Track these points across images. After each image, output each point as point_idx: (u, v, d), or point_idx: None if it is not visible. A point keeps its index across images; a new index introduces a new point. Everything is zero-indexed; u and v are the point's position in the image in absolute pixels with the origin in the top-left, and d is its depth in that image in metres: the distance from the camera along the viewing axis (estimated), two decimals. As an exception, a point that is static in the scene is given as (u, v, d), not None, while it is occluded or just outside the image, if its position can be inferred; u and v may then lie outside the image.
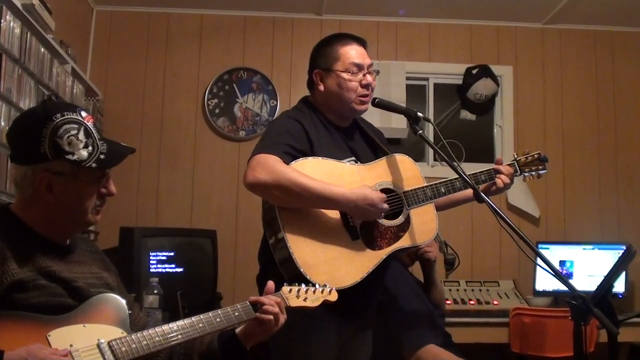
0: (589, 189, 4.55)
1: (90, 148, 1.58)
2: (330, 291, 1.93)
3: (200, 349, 1.74)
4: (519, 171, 2.58)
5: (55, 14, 3.29)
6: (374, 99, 2.42)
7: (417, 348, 2.46)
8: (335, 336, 2.23)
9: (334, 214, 2.20)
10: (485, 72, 4.51)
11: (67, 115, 1.58)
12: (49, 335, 1.42)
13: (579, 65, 4.67)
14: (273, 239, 2.15)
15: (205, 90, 4.44)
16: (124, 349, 1.47)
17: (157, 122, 4.43)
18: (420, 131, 2.32)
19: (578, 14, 4.45)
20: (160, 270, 3.38)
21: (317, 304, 1.88)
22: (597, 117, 4.63)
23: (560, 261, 4.13)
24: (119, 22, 4.50)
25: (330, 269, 2.11)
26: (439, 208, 2.47)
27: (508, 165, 2.54)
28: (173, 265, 3.45)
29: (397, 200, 2.31)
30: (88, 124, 1.60)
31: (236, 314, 1.71)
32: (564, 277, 2.02)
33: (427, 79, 4.67)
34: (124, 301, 1.63)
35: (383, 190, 2.29)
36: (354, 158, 2.33)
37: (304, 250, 2.10)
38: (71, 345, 1.41)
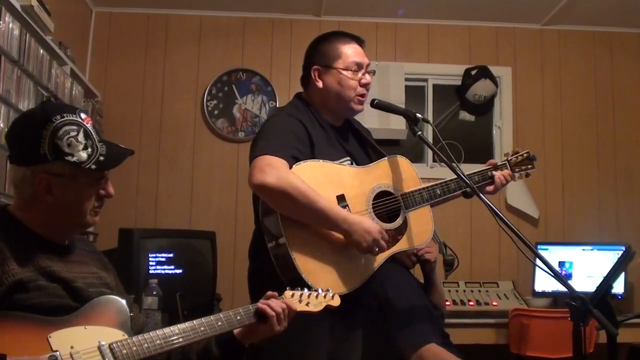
0: (588, 190, 4.55)
1: (89, 150, 1.58)
2: (332, 296, 1.92)
3: (198, 348, 1.74)
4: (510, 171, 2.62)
5: (54, 15, 3.29)
6: (373, 100, 2.42)
7: (418, 347, 2.45)
8: (328, 336, 2.22)
9: None
10: (484, 73, 4.51)
11: (67, 116, 1.58)
12: (50, 337, 1.41)
13: (578, 66, 4.68)
14: (273, 242, 2.13)
15: (204, 91, 4.44)
16: (124, 351, 1.47)
17: (156, 123, 4.43)
18: (419, 132, 2.33)
19: (577, 14, 4.46)
20: (159, 271, 3.38)
21: (319, 308, 1.88)
22: (596, 118, 4.63)
23: (560, 262, 4.13)
24: (118, 24, 4.50)
25: (331, 274, 2.11)
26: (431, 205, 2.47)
27: (501, 165, 2.58)
28: (172, 267, 3.45)
29: (395, 203, 2.31)
30: (87, 125, 1.61)
31: (238, 317, 1.71)
32: (563, 278, 2.02)
33: (426, 80, 4.67)
34: (125, 303, 1.63)
35: (381, 193, 2.29)
36: (349, 158, 2.33)
37: (305, 256, 2.08)
38: (72, 347, 1.41)
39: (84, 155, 1.57)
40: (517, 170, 2.64)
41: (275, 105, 4.43)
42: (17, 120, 1.68)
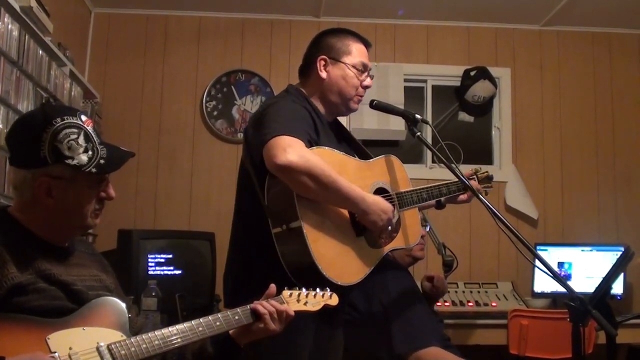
0: (587, 191, 4.56)
1: (90, 153, 1.57)
2: (330, 295, 1.91)
3: (194, 348, 1.74)
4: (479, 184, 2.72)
5: (53, 16, 3.29)
6: (372, 100, 2.42)
7: (417, 348, 2.46)
8: (313, 336, 2.18)
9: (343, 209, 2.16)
10: (483, 74, 4.52)
11: (67, 119, 1.57)
12: (48, 339, 1.41)
13: (577, 66, 4.68)
14: (282, 227, 2.03)
15: (203, 92, 4.44)
16: (123, 352, 1.47)
17: (156, 124, 4.43)
18: (419, 133, 2.32)
19: (576, 15, 4.46)
20: (158, 272, 3.38)
21: (317, 308, 1.87)
22: (595, 119, 4.64)
23: (559, 263, 4.13)
24: (117, 25, 4.50)
25: (341, 263, 2.07)
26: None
27: (471, 178, 2.66)
28: (171, 268, 3.45)
29: (390, 201, 2.32)
30: (88, 128, 1.60)
31: (236, 317, 1.70)
32: (562, 279, 2.03)
33: (425, 81, 4.67)
34: (123, 304, 1.62)
35: (378, 190, 2.29)
36: (343, 153, 2.33)
37: (320, 242, 2.01)
38: (70, 349, 1.41)
39: (84, 158, 1.56)
40: (482, 185, 2.73)
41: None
42: (18, 122, 1.67)
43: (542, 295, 4.12)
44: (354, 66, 2.31)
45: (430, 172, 4.45)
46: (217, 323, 1.67)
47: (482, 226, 4.37)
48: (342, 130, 2.48)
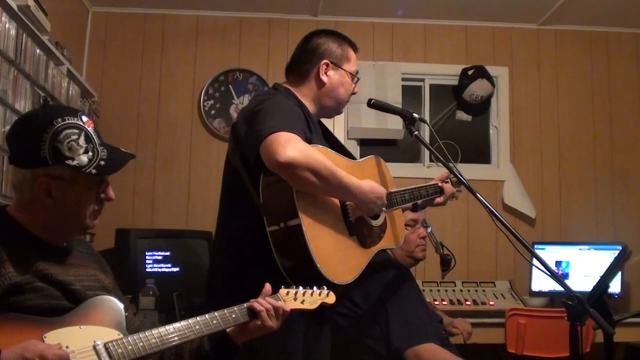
0: (585, 190, 4.56)
1: (90, 154, 1.57)
2: (327, 294, 1.91)
3: (191, 347, 1.74)
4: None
5: (50, 15, 3.28)
6: (370, 99, 2.43)
7: (415, 344, 2.46)
8: (302, 335, 2.16)
9: (336, 207, 2.15)
10: (481, 72, 4.52)
11: (68, 119, 1.57)
12: (45, 337, 1.41)
13: (575, 65, 4.68)
14: (280, 225, 2.00)
15: (201, 91, 4.44)
16: (120, 350, 1.47)
17: (153, 123, 4.43)
18: (416, 132, 2.33)
19: (573, 14, 4.46)
20: (156, 271, 3.38)
21: (314, 306, 1.87)
22: (593, 118, 4.64)
23: (556, 261, 4.14)
24: (114, 24, 4.49)
25: (337, 261, 2.06)
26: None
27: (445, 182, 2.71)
28: (169, 267, 3.45)
29: None
30: (89, 129, 1.60)
31: (233, 316, 1.70)
32: (559, 278, 2.03)
33: (422, 80, 4.67)
34: (120, 303, 1.63)
35: None
36: (336, 153, 2.33)
37: (317, 240, 1.99)
38: (67, 347, 1.41)
39: (84, 159, 1.56)
40: (456, 188, 2.76)
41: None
42: (18, 122, 1.67)
43: (540, 294, 4.12)
44: (351, 74, 2.34)
45: (428, 171, 4.45)
46: (214, 321, 1.67)
47: (480, 225, 4.38)
48: (326, 131, 2.48)
